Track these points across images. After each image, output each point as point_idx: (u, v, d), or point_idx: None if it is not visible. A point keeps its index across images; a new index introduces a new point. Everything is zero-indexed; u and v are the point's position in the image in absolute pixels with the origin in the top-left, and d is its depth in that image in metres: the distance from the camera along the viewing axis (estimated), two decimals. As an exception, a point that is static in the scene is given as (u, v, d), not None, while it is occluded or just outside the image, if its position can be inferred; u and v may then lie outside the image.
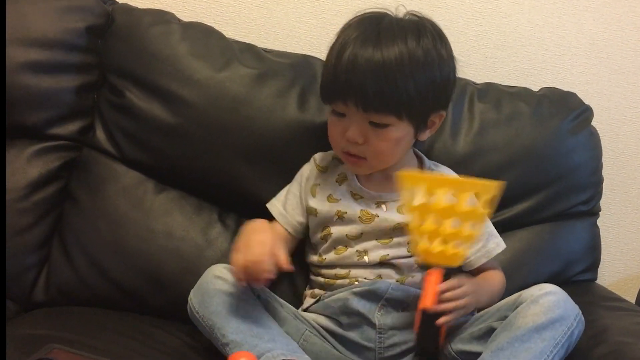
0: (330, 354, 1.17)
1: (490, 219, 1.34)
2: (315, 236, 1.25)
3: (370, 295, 1.17)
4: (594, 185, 1.45)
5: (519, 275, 1.35)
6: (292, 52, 1.45)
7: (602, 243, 1.49)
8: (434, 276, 1.05)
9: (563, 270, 1.42)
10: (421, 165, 1.28)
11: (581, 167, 1.42)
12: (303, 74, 1.37)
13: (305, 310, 1.24)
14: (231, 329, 1.06)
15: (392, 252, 1.20)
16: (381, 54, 1.09)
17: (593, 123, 1.46)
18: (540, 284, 1.06)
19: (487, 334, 1.07)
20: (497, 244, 1.27)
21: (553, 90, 1.48)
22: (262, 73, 1.35)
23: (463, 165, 1.34)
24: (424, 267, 1.09)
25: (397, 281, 1.19)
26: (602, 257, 1.49)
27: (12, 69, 1.29)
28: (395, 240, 1.21)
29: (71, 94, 1.35)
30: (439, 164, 1.31)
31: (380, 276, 1.19)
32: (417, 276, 1.20)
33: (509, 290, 1.33)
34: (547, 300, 1.03)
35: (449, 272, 1.23)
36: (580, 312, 1.06)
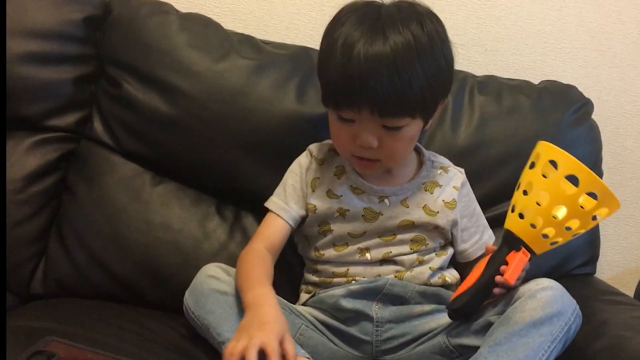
0: (327, 348, 1.17)
1: (491, 212, 1.34)
2: (311, 229, 1.24)
3: (367, 292, 1.17)
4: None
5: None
6: (291, 43, 1.44)
7: (600, 237, 1.49)
8: (526, 259, 1.07)
9: (562, 263, 1.42)
10: (419, 155, 1.28)
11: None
12: (302, 65, 1.37)
13: (302, 304, 1.23)
14: (226, 328, 1.05)
15: (394, 250, 1.20)
16: (393, 55, 1.03)
17: (593, 116, 1.46)
18: (537, 279, 1.06)
19: (484, 328, 1.07)
20: (490, 236, 1.29)
21: (553, 84, 1.48)
22: (260, 64, 1.34)
23: (463, 158, 1.33)
24: (512, 241, 1.07)
25: (395, 276, 1.18)
26: (601, 251, 1.49)
27: (10, 60, 1.28)
28: (399, 237, 1.20)
29: (69, 85, 1.34)
30: (437, 155, 1.30)
31: (379, 275, 1.19)
32: (416, 271, 1.20)
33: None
34: (544, 295, 1.02)
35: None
36: (578, 307, 1.05)
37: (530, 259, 1.08)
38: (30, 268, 1.30)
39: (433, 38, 1.09)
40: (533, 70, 1.60)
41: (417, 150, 1.28)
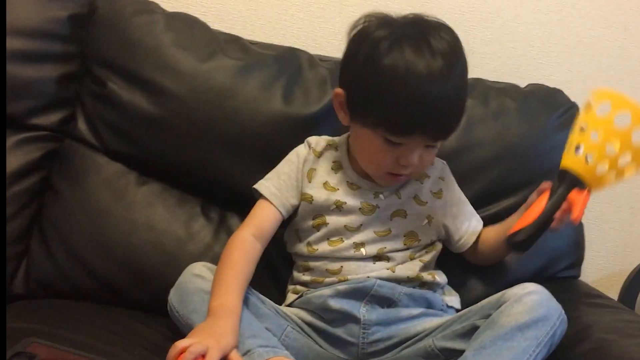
0: (312, 350, 1.16)
1: (478, 214, 1.34)
2: (304, 223, 1.23)
3: (355, 293, 1.16)
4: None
5: (504, 270, 1.36)
6: (278, 44, 1.44)
7: (585, 240, 1.49)
8: (589, 198, 1.10)
9: (547, 266, 1.42)
10: None
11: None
12: (289, 66, 1.36)
13: (288, 305, 1.23)
14: None
15: (389, 245, 1.20)
16: (452, 88, 1.09)
17: (578, 121, 1.46)
18: (523, 284, 1.06)
19: (470, 332, 1.07)
20: (478, 221, 1.31)
21: (540, 87, 1.48)
22: (247, 65, 1.34)
23: (450, 161, 1.33)
24: (573, 180, 1.10)
25: (387, 269, 1.18)
26: (586, 254, 1.50)
27: (-7, 57, 1.27)
28: (393, 232, 1.21)
29: (53, 84, 1.33)
30: None
31: (372, 271, 1.19)
32: (408, 265, 1.20)
33: (493, 286, 1.34)
34: (530, 300, 1.03)
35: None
36: (563, 311, 1.06)
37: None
38: (12, 268, 1.28)
39: (465, 61, 1.14)
40: (519, 73, 1.60)
41: None
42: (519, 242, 1.13)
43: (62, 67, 1.34)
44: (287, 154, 1.29)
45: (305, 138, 1.29)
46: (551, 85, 1.49)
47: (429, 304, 1.19)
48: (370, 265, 1.20)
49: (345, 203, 1.20)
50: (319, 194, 1.21)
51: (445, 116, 1.10)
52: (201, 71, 1.31)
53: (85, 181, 1.32)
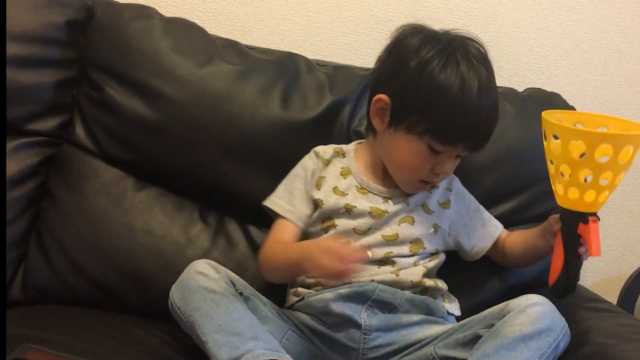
0: (313, 354, 1.16)
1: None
2: (314, 226, 1.24)
3: (357, 296, 1.16)
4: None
5: (503, 275, 1.36)
6: (276, 49, 1.44)
7: (584, 244, 1.49)
8: (597, 223, 1.09)
9: (545, 271, 1.41)
10: None
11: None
12: (286, 71, 1.36)
13: (289, 308, 1.23)
14: (212, 327, 1.04)
15: (395, 250, 1.21)
16: (496, 100, 1.18)
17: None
18: (528, 295, 1.07)
19: (472, 341, 1.07)
20: (494, 226, 1.33)
21: (537, 91, 1.49)
22: (245, 70, 1.34)
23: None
24: (573, 216, 1.10)
25: (391, 273, 1.19)
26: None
27: (-10, 63, 1.27)
28: (400, 237, 1.21)
29: (50, 89, 1.33)
30: None
31: (377, 275, 1.19)
32: (411, 270, 1.20)
33: (493, 291, 1.34)
34: (534, 311, 1.03)
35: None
36: (567, 324, 1.06)
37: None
38: (10, 274, 1.28)
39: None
40: (517, 77, 1.60)
41: None
42: (563, 293, 1.15)
43: (59, 73, 1.33)
44: (285, 158, 1.29)
45: (304, 143, 1.29)
46: (549, 89, 1.49)
47: (429, 311, 1.19)
48: (375, 269, 1.20)
49: (355, 207, 1.21)
50: (328, 198, 1.23)
51: (492, 123, 1.18)
52: (199, 76, 1.31)
53: (83, 186, 1.31)
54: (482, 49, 1.19)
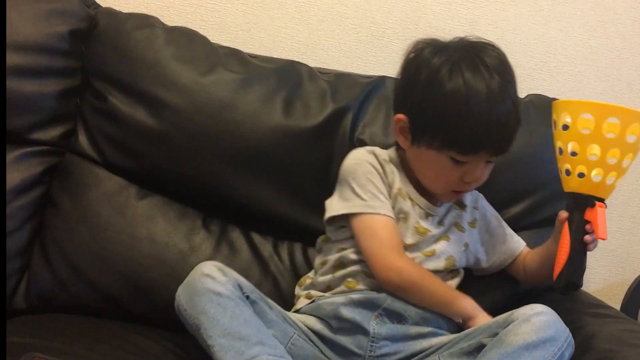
0: (318, 359, 1.16)
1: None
2: None
3: (368, 303, 1.16)
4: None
5: (506, 281, 1.35)
6: (278, 57, 1.44)
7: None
8: (604, 208, 1.10)
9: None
10: None
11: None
12: (288, 79, 1.37)
13: (297, 311, 1.23)
14: (218, 332, 1.04)
15: (431, 265, 1.21)
16: (514, 108, 1.15)
17: (578, 130, 1.47)
18: (532, 304, 1.07)
19: (476, 350, 1.07)
20: (517, 242, 1.34)
21: (539, 97, 1.48)
22: (247, 78, 1.34)
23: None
24: (581, 200, 1.11)
25: None
26: (587, 263, 1.48)
27: (-6, 72, 1.27)
28: (437, 253, 1.22)
29: (54, 99, 1.33)
30: None
31: None
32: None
33: (497, 298, 1.33)
34: (538, 320, 1.03)
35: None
36: (571, 334, 1.06)
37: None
38: (13, 283, 1.28)
39: (514, 72, 1.20)
40: (519, 84, 1.58)
41: None
42: (564, 287, 1.14)
43: (63, 82, 1.34)
44: (287, 166, 1.30)
45: (306, 150, 1.30)
46: (551, 95, 1.49)
47: (440, 325, 1.19)
48: None
49: (410, 216, 1.21)
50: (397, 199, 1.22)
51: (507, 131, 1.15)
52: (201, 85, 1.32)
53: (86, 195, 1.32)
54: (497, 55, 1.17)
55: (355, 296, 1.17)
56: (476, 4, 1.59)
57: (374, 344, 1.15)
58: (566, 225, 1.14)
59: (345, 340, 1.16)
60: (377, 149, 1.26)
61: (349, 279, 1.20)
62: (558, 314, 1.07)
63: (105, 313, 1.27)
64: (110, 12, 1.39)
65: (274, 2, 1.55)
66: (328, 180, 1.32)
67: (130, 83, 1.32)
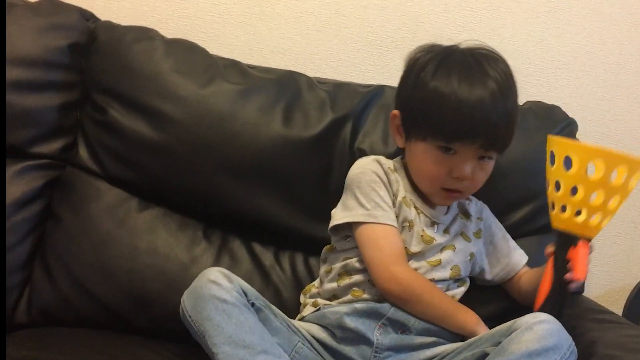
0: (322, 368, 1.16)
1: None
2: None
3: (372, 313, 1.16)
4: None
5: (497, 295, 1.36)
6: (277, 67, 1.45)
7: (588, 255, 1.49)
8: (587, 248, 1.09)
9: (550, 283, 1.42)
10: None
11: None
12: (287, 89, 1.37)
13: (302, 318, 1.23)
14: (222, 339, 1.04)
15: (437, 275, 1.22)
16: (499, 93, 1.14)
17: (577, 136, 1.47)
18: (535, 313, 1.07)
19: (480, 359, 1.07)
20: (521, 255, 1.34)
21: (537, 104, 1.49)
22: (246, 89, 1.35)
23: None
24: (564, 238, 1.10)
25: None
26: (589, 268, 1.49)
27: (-6, 87, 1.28)
28: (443, 263, 1.22)
29: (54, 112, 1.34)
30: None
31: None
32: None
33: (498, 305, 1.33)
34: (541, 329, 1.03)
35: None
36: (574, 343, 1.06)
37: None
38: (15, 297, 1.28)
39: (514, 79, 1.20)
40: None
41: None
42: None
43: (63, 96, 1.34)
44: (287, 176, 1.30)
45: (306, 160, 1.30)
46: (549, 102, 1.50)
47: (443, 335, 1.19)
48: None
49: (415, 225, 1.22)
50: (401, 210, 1.22)
51: (492, 120, 1.14)
52: (201, 96, 1.32)
53: (86, 208, 1.32)
54: (486, 51, 1.20)
55: (359, 306, 1.17)
56: (474, 12, 1.59)
57: (378, 354, 1.15)
58: (551, 260, 1.13)
59: (349, 350, 1.16)
60: (382, 158, 1.26)
61: (355, 288, 1.20)
62: (560, 320, 1.07)
63: (107, 325, 1.27)
64: (109, 25, 1.40)
65: (273, 13, 1.55)
66: (328, 189, 1.33)
67: (130, 96, 1.32)
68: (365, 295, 1.19)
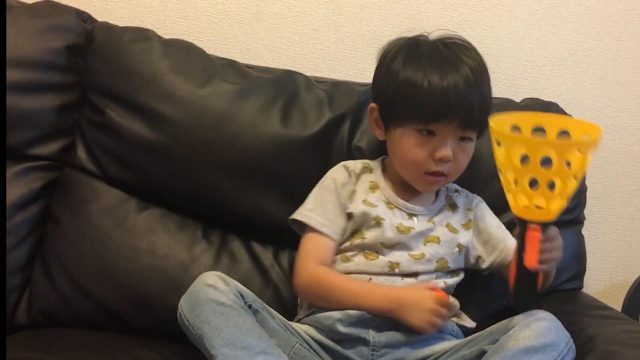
0: (321, 368, 1.16)
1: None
2: (345, 239, 1.25)
3: (363, 320, 1.16)
4: (578, 194, 1.46)
5: (507, 284, 1.35)
6: (275, 67, 1.45)
7: (587, 252, 1.49)
8: (537, 233, 1.04)
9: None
10: None
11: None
12: (285, 89, 1.37)
13: (299, 320, 1.23)
14: (221, 341, 1.04)
15: (421, 268, 1.22)
16: (473, 75, 1.18)
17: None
18: (532, 310, 1.07)
19: (478, 357, 1.08)
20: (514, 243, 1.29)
21: (535, 101, 1.49)
22: (244, 89, 1.35)
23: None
24: (519, 223, 1.07)
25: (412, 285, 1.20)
26: (588, 265, 1.50)
27: (-8, 89, 1.28)
28: (427, 257, 1.22)
29: (52, 114, 1.34)
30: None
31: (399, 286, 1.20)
32: (432, 282, 1.21)
33: (497, 301, 1.34)
34: (538, 326, 1.03)
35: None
36: (572, 340, 1.06)
37: (544, 231, 1.05)
38: (15, 298, 1.28)
39: (485, 64, 1.23)
40: (515, 88, 1.61)
41: None
42: (522, 308, 1.11)
43: (61, 97, 1.34)
44: (286, 175, 1.30)
45: (304, 159, 1.30)
46: (546, 98, 1.50)
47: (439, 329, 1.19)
48: (398, 280, 1.21)
49: (384, 219, 1.22)
50: (359, 211, 1.23)
51: (466, 98, 1.16)
52: (199, 96, 1.32)
53: (85, 209, 1.32)
54: (460, 42, 1.23)
55: (352, 312, 1.17)
56: (471, 10, 1.60)
57: (375, 352, 1.15)
58: (516, 247, 1.09)
59: (347, 351, 1.16)
60: (351, 163, 1.30)
61: None
62: (559, 316, 1.07)
63: (107, 326, 1.27)
64: (107, 27, 1.40)
65: (270, 12, 1.55)
66: (327, 188, 1.32)
67: (128, 96, 1.32)
68: None
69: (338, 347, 1.17)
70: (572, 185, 1.02)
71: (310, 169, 1.34)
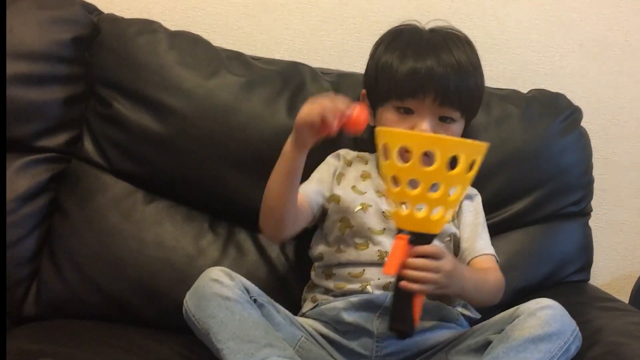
0: (326, 361, 1.16)
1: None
2: (333, 227, 1.25)
3: (368, 305, 1.17)
4: (585, 185, 1.45)
5: (513, 276, 1.35)
6: (280, 59, 1.45)
7: (594, 243, 1.49)
8: (401, 242, 1.01)
9: (556, 271, 1.42)
10: None
11: (571, 168, 1.42)
12: (291, 80, 1.37)
13: (303, 314, 1.23)
14: (227, 335, 1.05)
15: None
16: (454, 56, 1.21)
17: (582, 124, 1.47)
18: (538, 299, 1.07)
19: (483, 347, 1.07)
20: (481, 247, 1.26)
21: (542, 92, 1.49)
22: (250, 80, 1.35)
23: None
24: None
25: None
26: (595, 257, 1.49)
27: (-2, 81, 1.28)
28: None
29: (59, 106, 1.34)
30: None
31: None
32: None
33: (507, 291, 1.33)
34: (544, 314, 1.03)
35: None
36: (578, 328, 1.06)
37: (413, 242, 1.01)
38: (23, 290, 1.29)
39: (478, 59, 1.27)
40: (522, 79, 1.61)
41: None
42: (398, 335, 1.07)
43: (67, 89, 1.35)
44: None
45: (310, 151, 1.29)
46: (553, 90, 1.49)
47: (442, 317, 1.19)
48: None
49: (371, 206, 1.23)
50: (346, 195, 1.25)
51: (438, 74, 1.19)
52: (205, 88, 1.33)
53: (93, 201, 1.32)
54: (447, 30, 1.28)
55: (354, 299, 1.17)
56: (478, 0, 1.59)
57: (380, 344, 1.15)
58: None
59: (351, 343, 1.17)
60: (344, 150, 1.34)
61: (337, 282, 1.22)
62: (566, 308, 1.07)
63: (114, 318, 1.28)
64: (113, 18, 1.40)
65: (276, 4, 1.55)
66: (333, 180, 1.32)
67: (135, 89, 1.33)
68: (349, 285, 1.20)
69: (343, 340, 1.17)
70: (455, 196, 1.01)
71: (316, 161, 1.33)
